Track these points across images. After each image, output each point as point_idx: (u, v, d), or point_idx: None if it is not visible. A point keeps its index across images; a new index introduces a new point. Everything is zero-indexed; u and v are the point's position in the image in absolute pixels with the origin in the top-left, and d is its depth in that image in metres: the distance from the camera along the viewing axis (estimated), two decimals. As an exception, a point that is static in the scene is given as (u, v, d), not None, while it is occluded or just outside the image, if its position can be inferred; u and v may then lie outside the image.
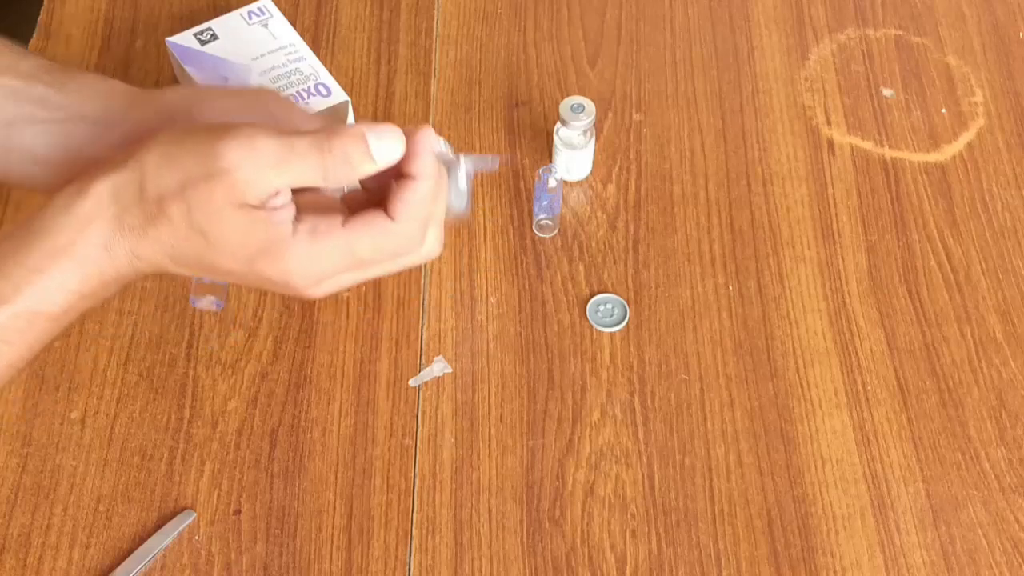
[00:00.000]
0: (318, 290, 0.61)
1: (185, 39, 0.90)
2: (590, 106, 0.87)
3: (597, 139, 0.91)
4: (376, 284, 0.85)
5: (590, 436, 0.79)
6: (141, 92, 0.68)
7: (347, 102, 0.88)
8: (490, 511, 0.76)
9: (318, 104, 0.87)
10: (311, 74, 0.88)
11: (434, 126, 0.93)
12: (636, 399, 0.81)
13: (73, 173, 0.66)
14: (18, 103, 0.66)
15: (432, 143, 0.62)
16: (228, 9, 0.99)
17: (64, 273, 0.58)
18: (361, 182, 0.62)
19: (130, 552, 0.74)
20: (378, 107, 0.94)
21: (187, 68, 0.89)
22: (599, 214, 0.90)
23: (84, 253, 0.58)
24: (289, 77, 0.88)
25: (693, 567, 0.75)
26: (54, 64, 0.69)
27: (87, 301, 0.60)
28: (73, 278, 0.58)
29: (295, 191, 0.59)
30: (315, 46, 0.97)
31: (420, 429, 0.79)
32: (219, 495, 0.76)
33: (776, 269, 0.87)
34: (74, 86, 0.67)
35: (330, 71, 0.91)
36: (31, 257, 0.57)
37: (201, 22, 0.94)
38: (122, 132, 0.65)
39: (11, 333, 0.58)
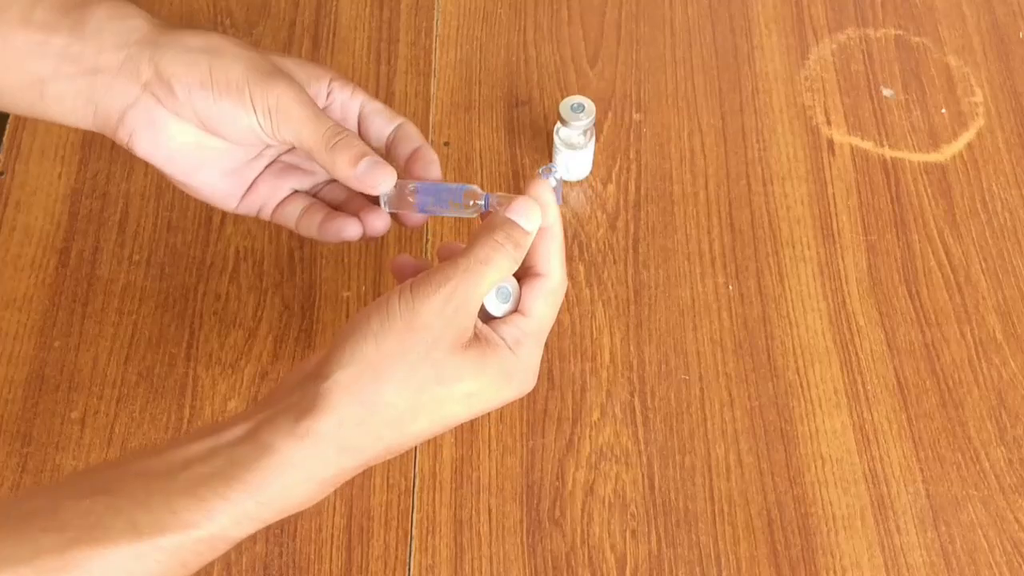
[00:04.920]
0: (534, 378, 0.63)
1: None
2: (590, 106, 0.87)
3: (597, 139, 0.91)
4: (376, 283, 0.85)
5: (590, 436, 0.79)
6: (157, 36, 0.66)
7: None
8: (490, 511, 0.76)
9: None
10: None
11: (434, 126, 0.93)
12: (636, 399, 0.81)
13: (109, 124, 0.66)
14: (43, 58, 0.65)
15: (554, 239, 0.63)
16: (228, 11, 0.99)
17: (263, 510, 0.57)
18: None
19: (130, 552, 0.73)
20: (378, 107, 0.94)
21: None
22: (599, 214, 0.90)
23: (287, 493, 0.57)
24: None
25: (693, 567, 0.75)
26: (69, 1, 0.67)
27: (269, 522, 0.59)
28: (270, 513, 0.57)
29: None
30: (315, 46, 0.97)
31: (420, 429, 0.79)
32: (219, 495, 0.76)
33: (776, 269, 0.87)
34: (92, 30, 0.65)
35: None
36: (232, 489, 0.56)
37: (200, 22, 0.93)
38: (142, 83, 0.65)
39: (190, 555, 0.56)
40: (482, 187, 0.91)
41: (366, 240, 0.70)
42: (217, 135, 0.67)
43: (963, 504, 0.77)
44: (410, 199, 0.68)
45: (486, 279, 0.59)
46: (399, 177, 0.68)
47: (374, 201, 0.71)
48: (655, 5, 1.02)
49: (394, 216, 0.71)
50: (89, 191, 0.89)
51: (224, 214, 0.88)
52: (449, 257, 0.66)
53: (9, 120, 0.93)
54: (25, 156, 0.91)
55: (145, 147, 0.67)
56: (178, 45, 0.66)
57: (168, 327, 0.83)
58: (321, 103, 0.70)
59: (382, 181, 0.66)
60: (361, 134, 0.71)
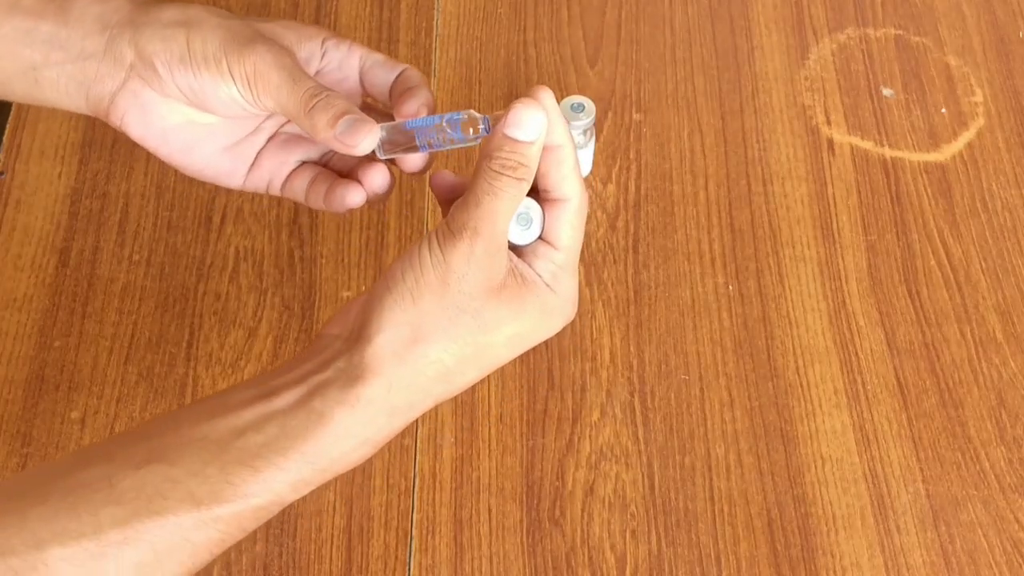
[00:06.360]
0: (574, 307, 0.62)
1: None
2: (590, 106, 0.87)
3: (597, 139, 0.91)
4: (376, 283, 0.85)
5: (590, 436, 0.79)
6: (136, 16, 0.65)
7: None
8: (490, 511, 0.76)
9: None
10: None
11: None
12: (636, 399, 0.81)
13: (101, 108, 0.66)
14: (34, 46, 0.65)
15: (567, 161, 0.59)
16: (228, 11, 0.99)
17: (319, 475, 0.57)
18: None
19: (130, 552, 0.74)
20: (378, 107, 0.94)
21: None
22: (599, 214, 0.90)
23: (341, 457, 0.57)
24: None
25: (693, 567, 0.75)
26: None
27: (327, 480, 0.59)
28: (325, 477, 0.58)
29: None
30: (315, 46, 0.98)
31: (420, 429, 0.79)
32: (219, 495, 0.76)
33: (776, 269, 0.87)
34: (75, 14, 0.65)
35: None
36: (287, 459, 0.56)
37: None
38: (126, 66, 0.64)
39: (249, 521, 0.56)
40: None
41: (372, 203, 0.68)
42: (205, 110, 0.66)
43: (963, 504, 0.77)
44: (406, 139, 0.63)
45: (500, 211, 0.57)
46: (396, 118, 0.65)
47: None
48: (655, 5, 1.02)
49: (394, 164, 0.67)
50: (89, 191, 0.89)
51: (224, 214, 0.88)
52: (442, 186, 0.64)
53: (9, 120, 0.93)
54: (25, 156, 0.91)
55: (137, 129, 0.67)
56: (156, 22, 0.65)
57: (168, 327, 0.83)
58: (315, 65, 0.68)
59: (362, 140, 0.62)
60: (365, 90, 0.69)
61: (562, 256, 0.60)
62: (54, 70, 0.65)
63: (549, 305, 0.59)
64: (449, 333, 0.57)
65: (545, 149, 0.58)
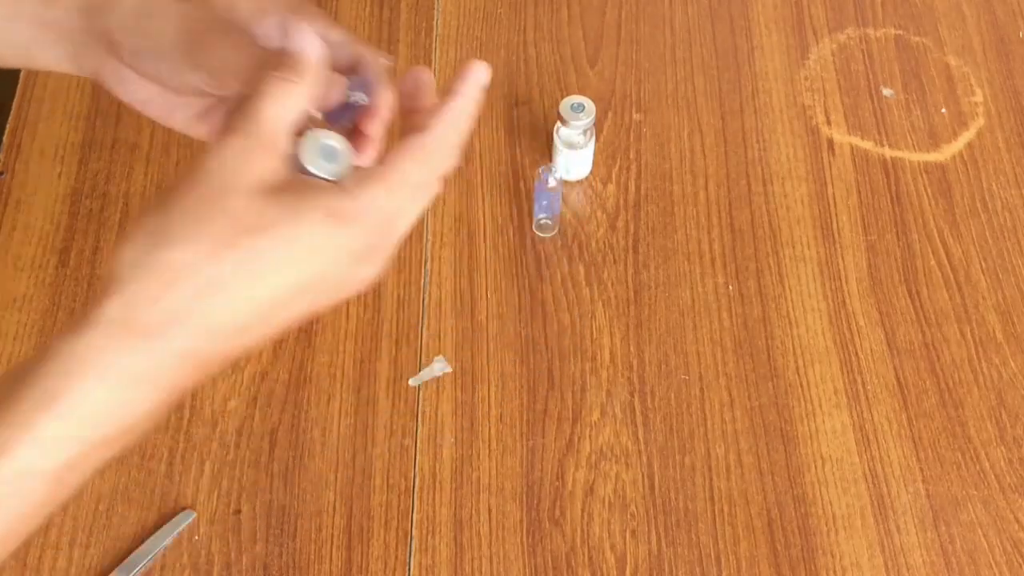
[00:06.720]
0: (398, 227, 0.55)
1: None
2: (590, 106, 0.87)
3: (597, 139, 0.91)
4: (376, 284, 0.85)
5: (590, 436, 0.79)
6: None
7: None
8: (490, 511, 0.76)
9: None
10: None
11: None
12: (636, 399, 0.81)
13: (91, 76, 0.65)
14: (20, 27, 0.65)
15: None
16: None
17: (73, 426, 0.48)
18: None
19: (130, 552, 0.74)
20: (378, 107, 0.94)
21: None
22: (599, 214, 0.90)
23: (93, 399, 0.49)
24: None
25: (693, 567, 0.75)
26: None
27: (102, 450, 0.50)
28: (90, 431, 0.49)
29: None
30: (315, 46, 0.98)
31: (420, 429, 0.79)
32: (219, 495, 0.76)
33: (776, 269, 0.87)
34: None
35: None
36: (17, 405, 0.48)
37: None
38: (103, 46, 0.64)
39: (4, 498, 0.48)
40: (481, 185, 0.91)
41: None
42: (175, 93, 0.66)
43: (963, 504, 0.77)
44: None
45: (261, 108, 0.52)
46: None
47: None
48: (655, 5, 1.02)
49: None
50: (89, 191, 0.89)
51: (224, 214, 0.88)
52: None
53: (9, 120, 0.93)
54: (25, 156, 0.91)
55: (123, 96, 0.67)
56: (119, 8, 0.65)
57: (168, 327, 0.83)
58: (274, 44, 0.63)
59: (303, 39, 0.59)
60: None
61: (379, 170, 0.53)
62: (47, 50, 0.67)
63: (340, 208, 0.51)
64: (198, 233, 0.49)
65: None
